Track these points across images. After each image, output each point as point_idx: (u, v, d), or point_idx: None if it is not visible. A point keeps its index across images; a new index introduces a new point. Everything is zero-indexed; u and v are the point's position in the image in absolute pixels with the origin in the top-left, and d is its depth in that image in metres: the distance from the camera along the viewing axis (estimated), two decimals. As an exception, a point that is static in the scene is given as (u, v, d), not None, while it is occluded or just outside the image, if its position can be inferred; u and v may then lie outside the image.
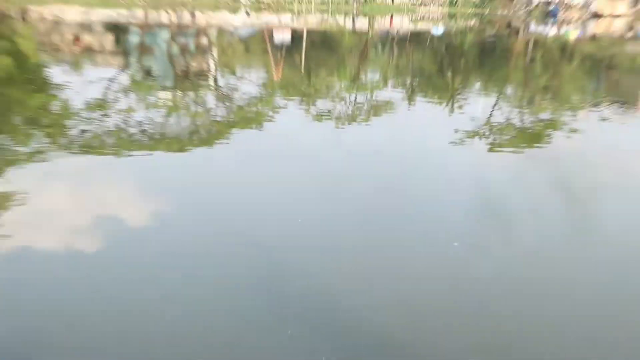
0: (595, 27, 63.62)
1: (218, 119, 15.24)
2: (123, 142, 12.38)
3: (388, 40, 43.37)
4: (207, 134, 13.55)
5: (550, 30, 57.80)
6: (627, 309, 6.50)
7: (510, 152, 13.67)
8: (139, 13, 50.28)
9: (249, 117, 15.41)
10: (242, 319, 5.89)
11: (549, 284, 7.02)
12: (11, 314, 5.95)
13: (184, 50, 31.01)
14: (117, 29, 39.52)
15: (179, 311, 6.01)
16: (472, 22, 62.60)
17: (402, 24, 56.85)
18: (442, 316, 6.19)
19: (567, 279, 7.19)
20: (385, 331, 5.84)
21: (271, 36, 39.83)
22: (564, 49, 42.95)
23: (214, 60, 28.10)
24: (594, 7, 74.89)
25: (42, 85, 18.81)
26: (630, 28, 63.68)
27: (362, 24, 54.75)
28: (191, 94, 18.43)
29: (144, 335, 5.66)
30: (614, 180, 11.76)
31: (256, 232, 8.11)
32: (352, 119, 15.93)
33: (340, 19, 56.78)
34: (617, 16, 74.53)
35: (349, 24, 53.64)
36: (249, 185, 10.04)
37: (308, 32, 44.88)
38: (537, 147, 14.13)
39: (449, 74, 26.73)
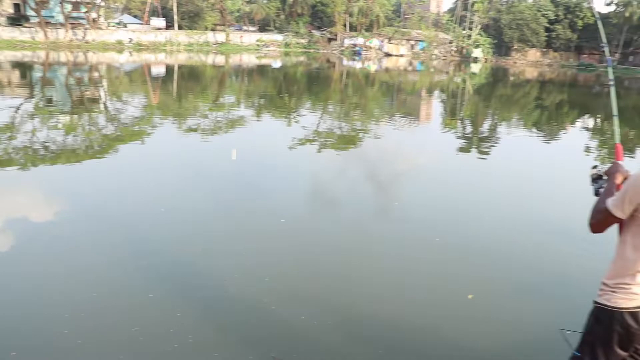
0: (387, 63, 66.42)
1: (108, 135, 14.45)
2: (29, 157, 11.46)
3: (239, 71, 43.06)
4: (100, 148, 12.79)
5: (357, 64, 59.66)
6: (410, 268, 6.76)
7: (333, 151, 13.93)
8: (42, 54, 46.94)
9: (133, 133, 14.71)
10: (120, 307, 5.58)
11: (362, 245, 7.18)
12: None
13: (79, 82, 29.24)
14: (23, 66, 36.74)
15: (68, 302, 5.56)
16: (301, 58, 63.47)
17: (250, 60, 56.63)
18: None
19: (375, 240, 7.36)
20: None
21: (149, 70, 38.44)
22: (368, 77, 44.47)
23: (104, 89, 26.68)
24: (385, 49, 78.24)
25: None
26: (410, 64, 67.20)
27: (219, 60, 54.00)
28: (86, 116, 17.35)
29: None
30: (407, 169, 12.28)
31: (135, 219, 7.76)
32: (214, 131, 15.62)
33: (203, 57, 55.73)
34: (401, 55, 78.40)
35: (209, 60, 52.74)
36: (135, 187, 9.54)
37: (179, 66, 43.69)
38: (353, 148, 14.50)
39: (286, 96, 26.87)
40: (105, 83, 29.46)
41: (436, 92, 35.77)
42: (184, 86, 29.68)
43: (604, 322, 2.55)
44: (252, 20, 78.17)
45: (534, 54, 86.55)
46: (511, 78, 53.62)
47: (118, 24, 66.77)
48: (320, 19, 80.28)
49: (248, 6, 76.37)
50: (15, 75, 31.74)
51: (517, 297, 5.90)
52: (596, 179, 2.90)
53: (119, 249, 6.64)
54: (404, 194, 9.98)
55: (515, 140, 17.49)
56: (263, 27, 78.19)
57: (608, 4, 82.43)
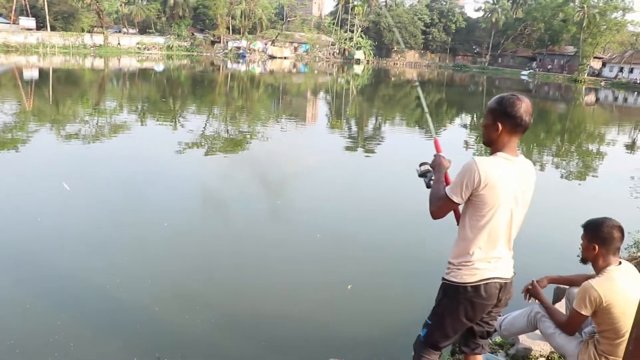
0: (271, 65, 66.87)
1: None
2: None
3: (120, 75, 41.57)
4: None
5: (242, 67, 59.53)
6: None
7: (221, 155, 13.97)
8: None
9: (5, 141, 13.89)
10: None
11: (247, 246, 7.38)
12: None
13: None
14: None
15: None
16: (185, 61, 62.29)
17: (131, 63, 54.74)
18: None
19: (261, 241, 7.59)
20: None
21: (21, 73, 36.12)
22: (253, 80, 44.58)
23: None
24: (270, 52, 78.66)
25: None
26: (294, 66, 68.13)
27: (98, 63, 51.75)
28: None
29: None
30: (293, 171, 12.60)
31: (8, 230, 7.51)
32: (96, 137, 15.08)
33: (80, 60, 53.08)
34: (285, 57, 79.17)
35: (88, 63, 50.36)
36: (11, 197, 9.11)
37: (54, 70, 41.35)
38: (241, 150, 14.61)
39: (171, 100, 26.40)
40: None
41: (321, 94, 36.70)
42: (61, 91, 28.24)
43: (451, 296, 2.88)
44: (132, 22, 75.55)
45: (412, 56, 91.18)
46: (392, 79, 56.13)
47: (-19, 23, 61.92)
48: (202, 21, 79.15)
49: (127, 7, 73.57)
50: None
51: (391, 285, 6.40)
52: (424, 172, 3.18)
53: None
54: (289, 194, 10.32)
55: (399, 139, 18.47)
56: (144, 29, 75.82)
57: (477, 10, 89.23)
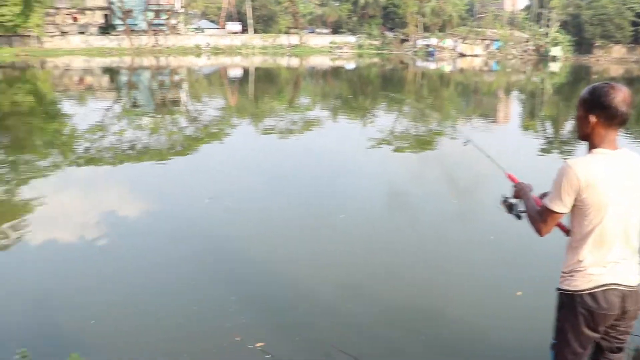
0: (462, 63, 65.18)
1: (189, 135, 15.02)
2: (117, 155, 12.08)
3: (314, 73, 43.47)
4: (181, 147, 13.31)
5: (431, 65, 58.92)
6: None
7: (409, 152, 13.85)
8: (127, 59, 49.22)
9: (212, 133, 15.20)
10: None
11: (435, 246, 7.12)
12: (35, 288, 5.70)
13: (161, 85, 30.45)
14: (111, 72, 38.69)
15: (165, 272, 5.88)
16: (375, 59, 63.30)
17: (323, 61, 57.05)
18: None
19: (454, 242, 7.29)
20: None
21: (227, 72, 39.44)
22: (442, 78, 43.85)
23: (184, 91, 27.66)
24: (460, 49, 76.66)
25: (56, 115, 18.31)
26: (486, 64, 65.63)
27: (294, 62, 54.75)
28: (168, 117, 18.07)
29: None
30: (485, 171, 12.00)
31: (214, 214, 8.05)
32: (290, 132, 15.87)
33: (277, 59, 56.68)
34: (476, 55, 76.56)
35: (284, 63, 53.56)
36: (213, 183, 9.88)
37: (254, 69, 44.58)
38: (429, 149, 14.33)
39: (361, 97, 26.93)
40: (185, 85, 30.53)
41: (514, 93, 34.83)
42: (260, 88, 30.31)
43: (568, 306, 2.63)
44: (325, 22, 78.60)
45: (618, 51, 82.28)
46: (594, 77, 51.40)
47: (196, 29, 68.93)
48: (392, 20, 79.70)
49: (320, 9, 76.83)
50: (105, 80, 33.43)
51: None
52: (509, 206, 3.08)
53: (201, 242, 6.96)
54: (477, 196, 9.78)
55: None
56: (335, 29, 78.44)
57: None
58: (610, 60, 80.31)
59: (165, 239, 7.11)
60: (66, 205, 8.63)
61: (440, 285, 5.95)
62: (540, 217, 2.65)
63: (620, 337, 2.70)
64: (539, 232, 2.68)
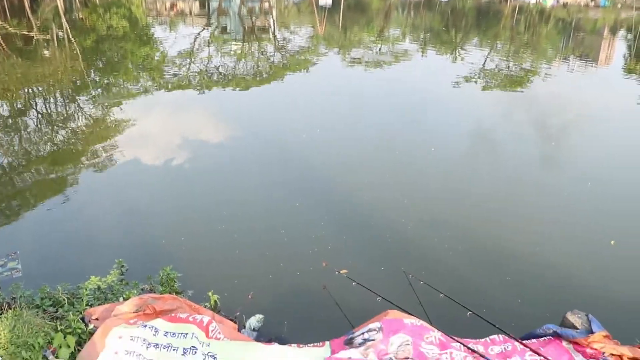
0: (567, -4, 60.61)
1: (275, 63, 15.03)
2: (204, 81, 12.31)
3: (406, 4, 41.95)
4: (267, 75, 13.37)
5: (532, -2, 55.25)
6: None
7: (499, 92, 13.23)
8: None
9: (299, 62, 15.12)
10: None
11: (524, 189, 6.86)
12: (121, 205, 6.02)
13: (251, 12, 30.47)
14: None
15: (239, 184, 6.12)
16: (471, -10, 60.17)
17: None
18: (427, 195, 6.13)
19: (536, 187, 6.99)
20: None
21: (317, 1, 38.80)
22: (542, 14, 41.14)
23: (273, 19, 27.57)
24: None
25: (148, 41, 18.77)
26: (595, -3, 60.69)
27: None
28: (256, 45, 18.12)
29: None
30: (578, 115, 11.30)
31: (297, 138, 8.15)
32: (377, 64, 15.51)
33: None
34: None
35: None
36: (297, 111, 10.00)
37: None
38: (520, 90, 13.57)
39: (453, 31, 25.80)
40: (274, 13, 30.40)
41: (621, 32, 32.14)
42: (350, 18, 29.68)
43: None
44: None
45: None
46: None
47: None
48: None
49: None
50: (196, 5, 33.81)
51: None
52: None
53: (292, 168, 7.14)
54: (563, 141, 9.23)
55: None
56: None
57: None
58: None
59: (256, 164, 7.40)
60: (157, 128, 9.01)
61: (531, 232, 5.81)
62: None
63: None
64: None
